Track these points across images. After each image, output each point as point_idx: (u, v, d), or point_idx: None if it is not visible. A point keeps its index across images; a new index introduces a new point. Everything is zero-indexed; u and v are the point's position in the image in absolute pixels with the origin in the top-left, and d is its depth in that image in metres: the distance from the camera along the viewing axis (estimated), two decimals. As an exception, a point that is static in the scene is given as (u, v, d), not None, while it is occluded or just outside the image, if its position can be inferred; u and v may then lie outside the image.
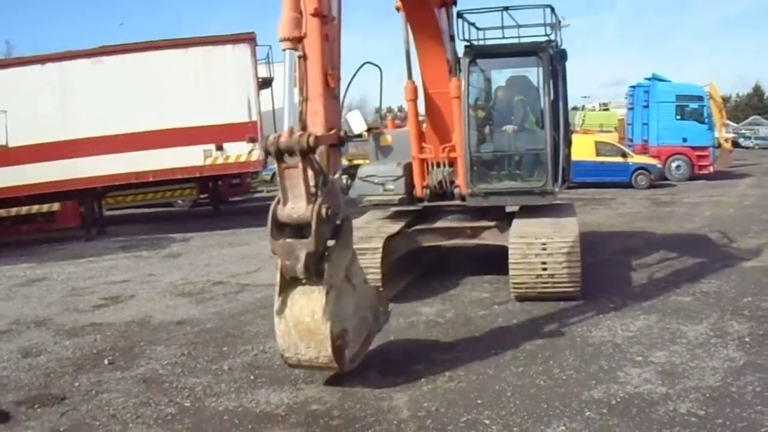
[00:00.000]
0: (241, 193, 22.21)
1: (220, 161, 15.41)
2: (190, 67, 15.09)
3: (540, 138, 8.20)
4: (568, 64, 8.85)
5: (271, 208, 4.84)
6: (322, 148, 4.90)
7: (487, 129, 8.69)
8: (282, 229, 4.84)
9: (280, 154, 4.71)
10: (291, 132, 4.69)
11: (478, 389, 5.14)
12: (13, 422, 4.98)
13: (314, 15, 5.02)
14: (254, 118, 15.14)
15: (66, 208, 15.49)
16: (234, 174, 17.77)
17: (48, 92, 14.62)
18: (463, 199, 8.47)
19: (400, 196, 8.50)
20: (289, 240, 4.80)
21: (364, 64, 7.92)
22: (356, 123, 11.37)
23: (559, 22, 8.38)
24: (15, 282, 10.65)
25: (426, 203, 8.71)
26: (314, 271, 4.80)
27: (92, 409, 5.13)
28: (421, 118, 9.01)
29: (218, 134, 15.11)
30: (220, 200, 19.88)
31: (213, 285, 9.47)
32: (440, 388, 5.21)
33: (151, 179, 15.72)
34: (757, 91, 69.64)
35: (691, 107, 23.37)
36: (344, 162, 17.54)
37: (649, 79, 24.36)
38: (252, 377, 5.65)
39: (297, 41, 4.94)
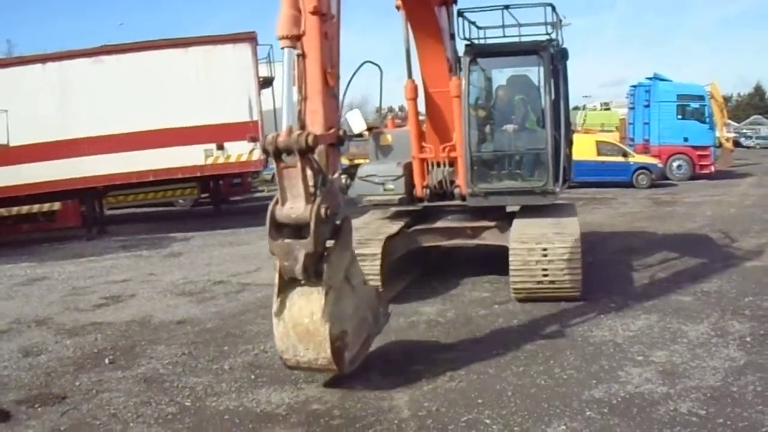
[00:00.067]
0: (242, 193, 22.25)
1: (221, 161, 15.42)
2: (190, 67, 15.10)
3: (541, 137, 8.17)
4: (568, 63, 8.84)
5: (270, 208, 4.80)
6: (321, 148, 4.88)
7: (487, 128, 8.65)
8: (280, 229, 4.80)
9: (278, 154, 4.68)
10: (290, 131, 4.66)
11: (479, 389, 5.14)
12: (13, 421, 4.98)
13: (313, 13, 5.00)
14: (255, 117, 15.15)
15: (67, 207, 15.51)
16: (235, 173, 17.80)
17: (49, 92, 14.64)
18: (463, 198, 8.45)
19: (400, 196, 8.47)
20: (287, 240, 4.76)
21: (364, 63, 7.90)
22: (356, 122, 11.33)
23: (560, 20, 8.35)
24: (16, 281, 10.66)
25: (426, 203, 8.68)
26: (313, 272, 4.77)
27: (93, 409, 5.13)
28: (421, 118, 9.00)
29: (219, 134, 15.12)
30: (221, 200, 19.93)
31: (214, 284, 9.47)
32: (441, 387, 5.20)
33: (151, 179, 15.75)
34: (758, 90, 69.64)
35: (692, 107, 23.37)
36: (345, 161, 17.66)
37: (650, 78, 24.35)
38: (253, 377, 5.64)
39: (296, 39, 4.92)
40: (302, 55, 5.02)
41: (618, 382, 5.16)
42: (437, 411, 4.78)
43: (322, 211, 4.67)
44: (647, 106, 23.86)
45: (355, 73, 7.38)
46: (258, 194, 23.48)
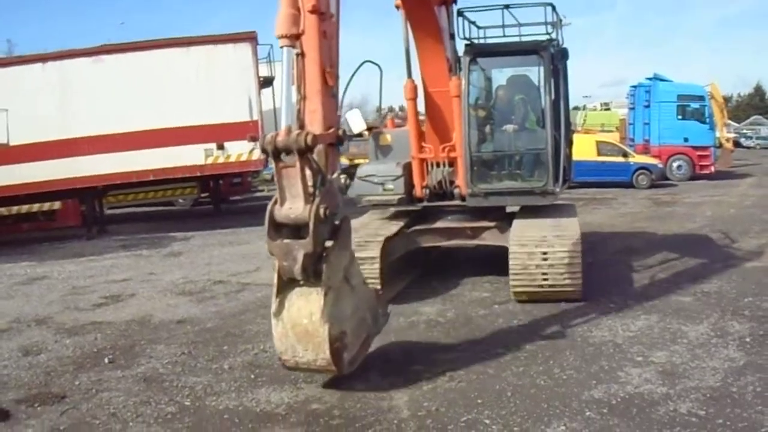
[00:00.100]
0: (242, 193, 22.22)
1: (221, 160, 15.42)
2: (191, 66, 15.09)
3: (541, 137, 8.16)
4: (568, 63, 8.84)
5: (269, 208, 4.79)
6: (320, 147, 4.87)
7: (487, 128, 8.64)
8: (279, 229, 4.78)
9: (277, 153, 4.66)
10: (288, 131, 4.65)
11: (479, 389, 5.13)
12: (13, 421, 4.98)
13: (312, 12, 4.99)
14: (255, 117, 15.15)
15: (67, 206, 15.48)
16: (235, 173, 17.78)
17: (49, 91, 14.63)
18: (463, 199, 8.44)
19: (399, 196, 8.45)
20: (286, 240, 4.74)
21: (363, 62, 7.88)
22: (355, 122, 11.33)
23: (560, 20, 8.36)
24: (16, 280, 10.66)
25: (425, 203, 8.66)
26: (312, 273, 4.75)
27: (92, 408, 5.13)
28: (421, 118, 8.99)
29: (219, 133, 15.12)
30: (221, 199, 19.91)
31: (214, 284, 9.47)
32: (440, 387, 5.20)
33: (151, 178, 15.73)
34: (759, 91, 69.61)
35: (692, 107, 23.36)
36: (345, 161, 17.66)
37: (650, 78, 24.35)
38: (252, 376, 5.64)
39: (295, 38, 4.91)
40: (301, 55, 5.02)
41: (618, 382, 5.15)
42: (437, 411, 4.78)
43: (321, 211, 4.65)
44: (647, 106, 23.85)
45: (354, 73, 7.38)
46: (258, 194, 23.47)
